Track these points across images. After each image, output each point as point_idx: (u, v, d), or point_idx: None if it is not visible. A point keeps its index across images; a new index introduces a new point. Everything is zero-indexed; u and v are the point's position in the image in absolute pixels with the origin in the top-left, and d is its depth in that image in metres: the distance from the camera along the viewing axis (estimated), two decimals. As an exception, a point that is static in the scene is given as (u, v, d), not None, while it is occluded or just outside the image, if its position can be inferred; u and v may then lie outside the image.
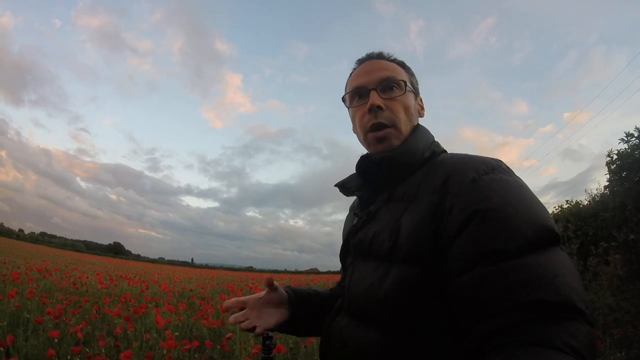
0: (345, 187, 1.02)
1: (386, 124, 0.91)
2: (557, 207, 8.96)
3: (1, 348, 3.13)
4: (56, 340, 3.52)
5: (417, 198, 0.80)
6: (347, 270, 0.94)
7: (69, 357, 3.22)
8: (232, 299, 1.02)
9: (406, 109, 0.94)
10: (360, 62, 1.02)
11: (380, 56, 1.00)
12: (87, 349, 3.52)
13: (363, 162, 0.92)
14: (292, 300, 1.04)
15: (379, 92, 0.93)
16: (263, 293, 1.02)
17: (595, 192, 7.98)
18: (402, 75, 0.97)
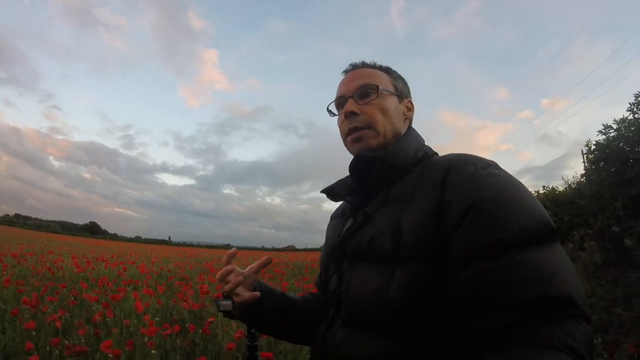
0: (332, 192, 1.02)
1: (361, 126, 0.94)
2: (533, 193, 9.27)
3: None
4: (34, 332, 3.47)
5: (415, 196, 0.80)
6: (342, 276, 0.91)
7: (48, 348, 3.19)
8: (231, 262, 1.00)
9: (383, 110, 0.95)
10: (344, 72, 1.04)
11: (362, 64, 1.02)
12: (66, 340, 3.48)
13: (356, 161, 0.93)
14: (257, 289, 1.02)
15: (355, 99, 0.95)
16: (246, 271, 1.02)
17: (571, 179, 8.23)
18: (380, 79, 0.98)
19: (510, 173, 0.78)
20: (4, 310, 4.20)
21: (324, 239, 1.11)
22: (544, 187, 9.02)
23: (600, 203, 6.04)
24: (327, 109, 1.05)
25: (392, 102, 0.97)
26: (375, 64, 1.02)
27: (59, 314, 4.09)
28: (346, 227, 0.96)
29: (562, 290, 0.59)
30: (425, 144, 0.98)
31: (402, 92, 1.01)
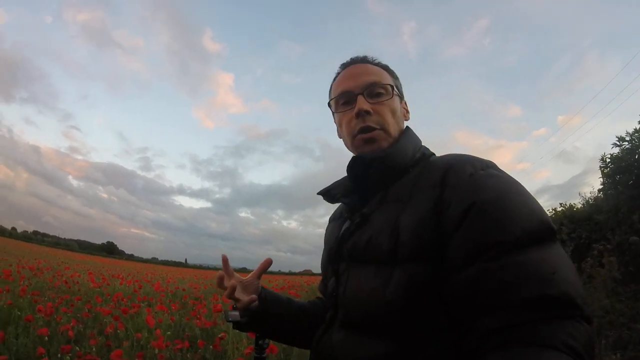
0: (329, 194, 1.01)
1: (374, 126, 0.92)
2: (551, 210, 9.05)
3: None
4: (46, 338, 3.50)
5: (414, 197, 0.79)
6: (340, 278, 0.91)
7: (59, 355, 3.20)
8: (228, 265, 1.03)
9: (393, 112, 0.95)
10: (345, 66, 1.02)
11: (364, 60, 1.00)
12: (78, 348, 3.49)
13: (355, 163, 0.91)
14: (262, 294, 1.03)
15: (365, 96, 0.93)
16: (248, 277, 1.03)
17: (589, 195, 8.09)
18: (388, 79, 0.97)
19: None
20: (19, 316, 4.24)
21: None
22: (561, 204, 8.91)
23: (618, 217, 5.93)
24: (328, 104, 1.05)
25: (398, 103, 0.98)
26: (375, 60, 1.01)
27: (72, 324, 4.11)
28: (344, 228, 0.95)
29: (563, 290, 0.59)
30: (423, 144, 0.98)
31: (401, 92, 1.02)
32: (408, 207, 0.78)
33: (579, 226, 6.79)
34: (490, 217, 0.66)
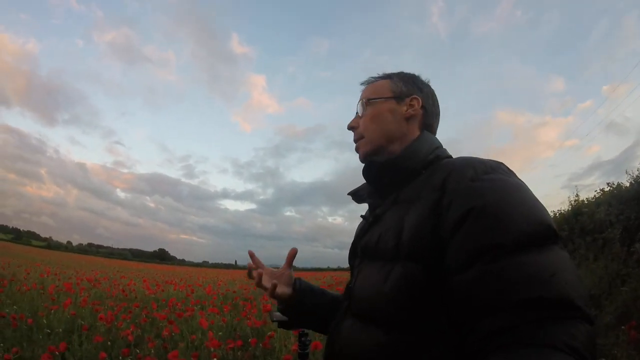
0: (357, 195, 1.08)
1: (357, 138, 1.05)
2: (598, 191, 8.54)
3: (57, 353, 3.32)
4: (109, 343, 3.71)
5: (420, 198, 0.82)
6: (353, 272, 0.98)
7: (120, 358, 3.40)
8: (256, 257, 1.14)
9: (373, 118, 1.02)
10: None
11: (365, 82, 1.10)
12: (137, 350, 3.69)
13: (366, 167, 0.98)
14: (296, 285, 1.11)
15: (358, 114, 1.07)
16: (280, 268, 1.13)
17: (637, 172, 7.48)
18: (375, 90, 1.05)
19: (516, 174, 0.79)
20: (82, 326, 4.49)
21: None
22: (608, 184, 8.40)
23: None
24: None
25: (384, 108, 1.01)
26: (377, 76, 1.08)
27: (131, 329, 4.35)
28: (359, 227, 1.04)
29: (563, 292, 0.59)
30: (442, 147, 0.99)
31: (401, 93, 1.03)
32: (413, 208, 0.81)
33: (627, 207, 6.34)
34: (489, 220, 0.67)
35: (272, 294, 1.04)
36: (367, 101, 1.03)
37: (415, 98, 1.02)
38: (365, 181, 1.02)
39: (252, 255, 1.13)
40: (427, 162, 0.92)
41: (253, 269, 1.09)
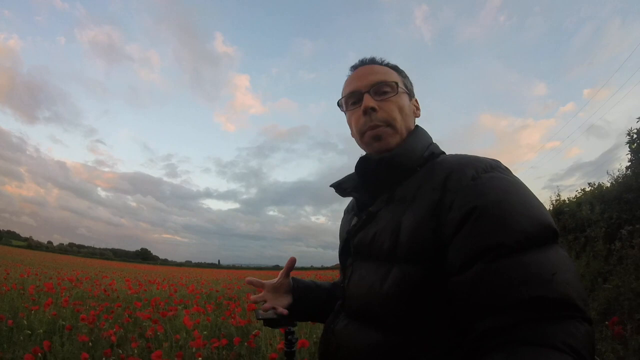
0: (341, 187, 1.03)
1: (379, 124, 0.93)
2: (579, 191, 8.70)
3: (39, 354, 3.27)
4: (90, 343, 3.66)
5: (417, 198, 0.80)
6: (346, 271, 0.96)
7: (103, 359, 3.35)
8: (255, 279, 1.16)
9: (400, 109, 0.95)
10: (354, 68, 1.04)
11: (372, 61, 1.02)
12: (120, 351, 3.65)
13: (362, 163, 0.93)
14: (295, 288, 1.13)
15: (372, 94, 0.95)
16: (277, 279, 1.13)
17: (617, 173, 7.67)
18: (394, 77, 0.98)
19: (514, 174, 0.79)
20: (63, 326, 4.43)
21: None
22: (589, 184, 8.56)
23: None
24: (338, 104, 1.05)
25: (406, 100, 0.98)
26: (384, 61, 1.02)
27: (114, 330, 4.30)
28: (352, 224, 0.99)
29: (563, 292, 0.59)
30: (434, 142, 0.98)
31: (410, 90, 1.02)
32: (410, 208, 0.80)
33: (609, 206, 6.50)
34: (491, 220, 0.67)
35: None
36: (397, 86, 0.97)
37: (417, 100, 1.03)
38: (349, 173, 1.02)
39: (249, 282, 1.17)
40: (422, 159, 0.91)
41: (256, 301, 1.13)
